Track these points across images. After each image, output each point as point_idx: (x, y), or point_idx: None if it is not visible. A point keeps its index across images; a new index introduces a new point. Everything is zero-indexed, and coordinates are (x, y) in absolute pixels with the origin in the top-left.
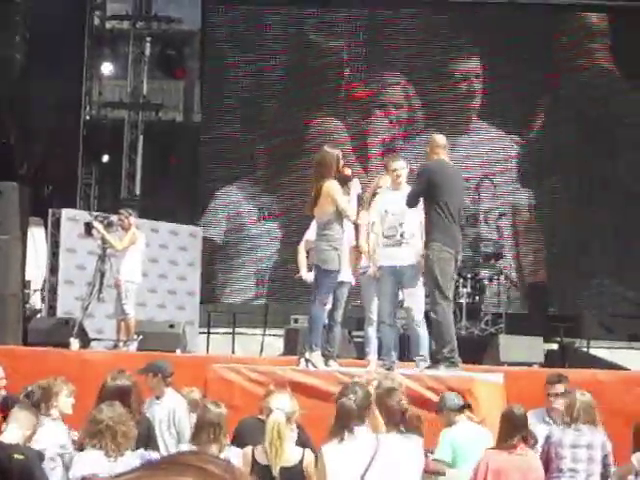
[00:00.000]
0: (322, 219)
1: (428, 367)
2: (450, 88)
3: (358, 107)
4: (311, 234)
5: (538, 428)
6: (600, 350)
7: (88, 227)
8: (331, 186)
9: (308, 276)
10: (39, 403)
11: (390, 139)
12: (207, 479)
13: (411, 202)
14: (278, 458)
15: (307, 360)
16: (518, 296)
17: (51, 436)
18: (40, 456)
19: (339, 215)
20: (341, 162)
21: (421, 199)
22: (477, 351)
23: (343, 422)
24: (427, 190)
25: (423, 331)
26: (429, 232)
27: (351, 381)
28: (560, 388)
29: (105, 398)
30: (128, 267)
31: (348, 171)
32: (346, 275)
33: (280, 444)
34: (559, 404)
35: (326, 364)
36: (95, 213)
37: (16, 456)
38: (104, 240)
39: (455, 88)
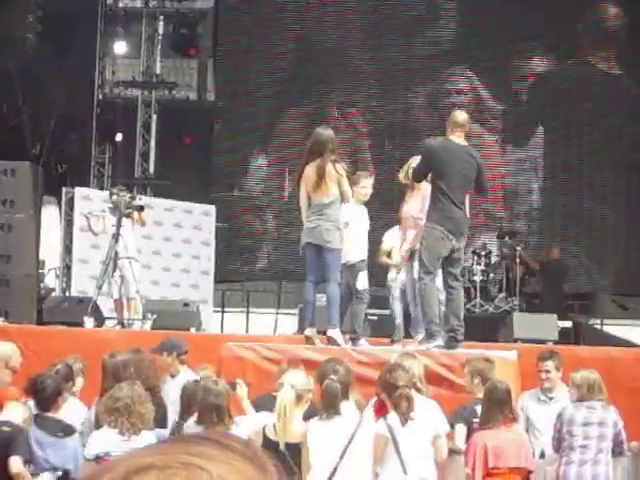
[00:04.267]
0: (325, 199)
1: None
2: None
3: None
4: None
5: (533, 408)
6: (614, 328)
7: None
8: (338, 168)
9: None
10: (67, 380)
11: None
12: (228, 451)
13: (417, 178)
14: (284, 434)
15: (329, 337)
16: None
17: (75, 413)
18: (70, 430)
19: (340, 196)
20: (335, 142)
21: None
22: (491, 328)
23: (329, 401)
24: (429, 167)
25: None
26: (428, 210)
27: (328, 359)
28: (550, 365)
29: (104, 376)
30: (133, 246)
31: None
32: (361, 253)
33: (287, 420)
34: (549, 381)
35: (355, 343)
36: (117, 188)
37: (4, 428)
38: (119, 219)
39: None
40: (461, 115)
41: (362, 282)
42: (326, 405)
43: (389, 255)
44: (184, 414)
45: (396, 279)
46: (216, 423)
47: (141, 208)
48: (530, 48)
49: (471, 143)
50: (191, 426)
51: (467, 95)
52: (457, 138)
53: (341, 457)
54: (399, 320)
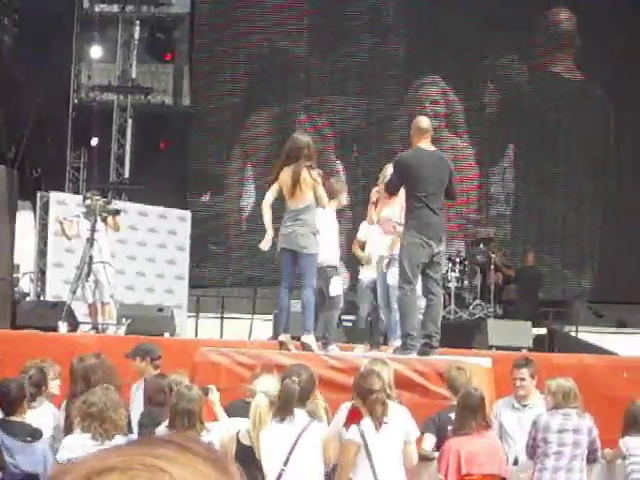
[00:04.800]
0: (300, 204)
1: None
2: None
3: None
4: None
5: (507, 415)
6: (588, 335)
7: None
8: (314, 174)
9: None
10: (39, 384)
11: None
12: (190, 454)
13: (391, 190)
14: (258, 440)
15: (303, 343)
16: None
17: (47, 416)
18: (38, 434)
19: (315, 202)
20: (312, 147)
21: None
22: (466, 335)
23: (285, 403)
24: (403, 181)
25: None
26: (405, 219)
27: (296, 363)
28: (525, 372)
29: (73, 379)
30: (107, 250)
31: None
32: (332, 259)
33: (261, 426)
34: (523, 388)
35: (325, 348)
36: (91, 193)
37: None
38: (94, 223)
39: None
40: (424, 121)
41: (334, 288)
42: (280, 405)
43: (363, 248)
44: (145, 405)
45: (368, 272)
46: (187, 428)
47: (117, 212)
48: (494, 57)
49: (442, 148)
50: (162, 431)
51: (437, 102)
52: (425, 145)
53: (284, 463)
54: (363, 323)
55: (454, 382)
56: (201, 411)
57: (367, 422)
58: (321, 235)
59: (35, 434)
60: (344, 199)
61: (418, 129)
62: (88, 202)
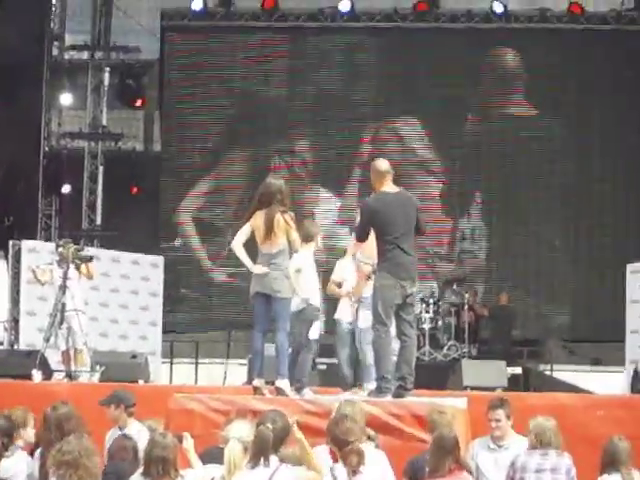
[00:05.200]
0: (273, 249)
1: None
2: None
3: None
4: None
5: (483, 456)
6: (563, 373)
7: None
8: (287, 218)
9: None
10: (10, 433)
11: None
12: None
13: (361, 236)
14: None
15: (277, 388)
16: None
17: (20, 465)
18: None
19: (288, 246)
20: (285, 191)
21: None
22: (441, 376)
23: (259, 449)
24: (370, 225)
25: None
26: (378, 261)
27: (271, 409)
28: (501, 413)
29: (47, 428)
30: (80, 297)
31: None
32: (316, 300)
33: (236, 472)
34: (499, 429)
35: (299, 393)
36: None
37: None
38: (65, 271)
39: None
40: (382, 163)
41: (314, 332)
42: (254, 451)
43: (340, 286)
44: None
45: (346, 313)
46: (162, 476)
47: (90, 259)
48: (454, 105)
49: (414, 191)
50: (136, 479)
51: (405, 145)
52: (388, 187)
53: None
54: (345, 368)
55: (437, 426)
56: (175, 458)
57: (340, 468)
58: (303, 276)
59: None
60: (319, 242)
61: (378, 173)
62: (60, 250)
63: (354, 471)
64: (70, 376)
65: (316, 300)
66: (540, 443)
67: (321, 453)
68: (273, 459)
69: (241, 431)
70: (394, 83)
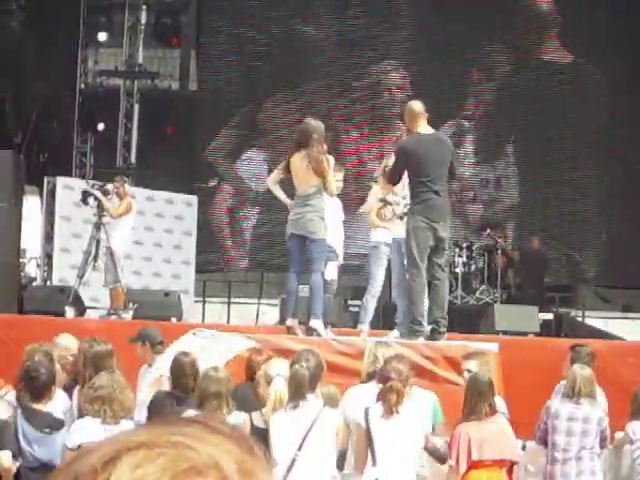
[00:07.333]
0: (308, 190)
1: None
2: None
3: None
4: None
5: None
6: (595, 320)
7: (85, 195)
8: (324, 159)
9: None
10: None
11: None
12: (216, 433)
13: (394, 178)
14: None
15: (312, 328)
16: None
17: (59, 402)
18: (59, 425)
19: (322, 186)
20: (322, 134)
21: (404, 174)
22: (473, 320)
23: (297, 388)
24: (405, 167)
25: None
26: (410, 204)
27: (304, 348)
28: (472, 365)
29: (84, 364)
30: (120, 235)
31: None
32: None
33: (280, 409)
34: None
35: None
36: (91, 182)
37: None
38: (100, 208)
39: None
40: (416, 104)
41: (330, 272)
42: (292, 391)
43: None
44: (175, 387)
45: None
46: (215, 410)
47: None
48: (484, 52)
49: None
50: (192, 414)
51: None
52: (423, 128)
53: (299, 449)
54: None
55: (470, 369)
56: (228, 392)
57: (377, 408)
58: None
59: (55, 425)
60: (340, 182)
61: (412, 113)
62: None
63: (391, 411)
64: (111, 313)
65: (335, 242)
66: (572, 391)
67: (365, 391)
68: (312, 399)
69: (282, 369)
70: (430, 26)
